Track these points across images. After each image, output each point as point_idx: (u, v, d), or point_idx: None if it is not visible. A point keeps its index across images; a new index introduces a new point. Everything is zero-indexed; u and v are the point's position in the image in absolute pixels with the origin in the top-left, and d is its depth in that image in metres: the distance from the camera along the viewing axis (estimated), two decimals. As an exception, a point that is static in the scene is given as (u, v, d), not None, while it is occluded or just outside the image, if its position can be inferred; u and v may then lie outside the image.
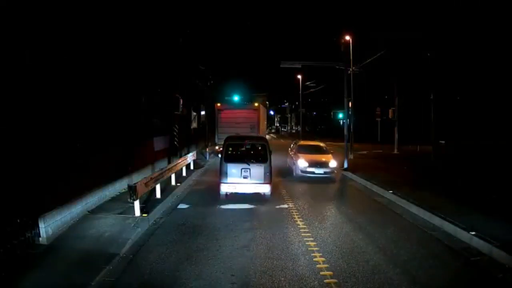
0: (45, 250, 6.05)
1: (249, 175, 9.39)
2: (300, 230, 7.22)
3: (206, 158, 19.49)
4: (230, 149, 10.05)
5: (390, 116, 26.89)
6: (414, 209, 8.86)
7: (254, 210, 8.79)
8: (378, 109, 37.08)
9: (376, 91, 44.56)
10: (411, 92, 31.05)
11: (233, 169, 9.44)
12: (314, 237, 6.80)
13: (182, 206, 9.12)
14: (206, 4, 30.64)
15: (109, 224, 7.39)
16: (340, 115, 45.91)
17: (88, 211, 8.17)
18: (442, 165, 16.59)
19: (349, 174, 14.86)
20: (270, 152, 9.84)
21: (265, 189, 9.50)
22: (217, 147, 19.36)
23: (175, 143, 16.00)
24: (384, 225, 7.66)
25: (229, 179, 9.43)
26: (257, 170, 9.41)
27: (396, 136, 27.46)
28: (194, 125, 27.01)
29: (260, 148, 10.08)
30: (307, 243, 6.46)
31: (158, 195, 9.31)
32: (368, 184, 12.38)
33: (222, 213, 8.47)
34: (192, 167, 14.89)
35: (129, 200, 7.28)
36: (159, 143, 14.39)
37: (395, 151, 26.40)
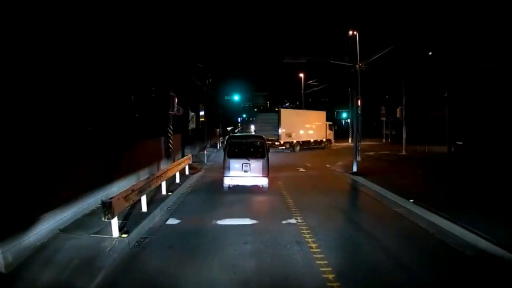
0: (1, 280, 4.92)
1: (249, 169, 10.46)
2: (312, 253, 5.88)
3: (204, 161, 18.13)
4: (233, 146, 10.99)
5: (398, 115, 25.65)
6: (443, 222, 7.55)
7: (255, 228, 7.38)
8: (383, 108, 35.83)
9: (379, 90, 43.30)
10: (415, 91, 29.84)
11: (235, 164, 10.50)
12: (332, 265, 5.44)
13: (172, 221, 7.77)
14: (206, 1, 29.40)
15: (82, 246, 6.08)
16: (344, 115, 44.75)
17: (60, 230, 6.86)
18: (460, 168, 15.20)
19: (359, 179, 13.52)
20: (268, 150, 11.02)
21: (263, 181, 10.58)
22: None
23: (170, 145, 14.67)
24: (412, 246, 6.32)
25: (231, 173, 10.52)
26: (256, 164, 10.50)
27: (404, 136, 26.30)
28: (192, 125, 25.67)
29: (258, 145, 11.15)
30: (323, 275, 5.13)
31: (143, 208, 7.98)
32: (383, 191, 11.04)
33: (218, 231, 7.11)
34: (187, 172, 13.54)
35: (103, 219, 5.95)
36: (151, 146, 13.08)
37: (403, 152, 25.17)
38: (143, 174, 11.20)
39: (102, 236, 6.47)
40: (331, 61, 18.22)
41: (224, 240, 6.56)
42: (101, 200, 5.98)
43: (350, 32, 16.36)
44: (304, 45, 49.70)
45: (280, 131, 24.28)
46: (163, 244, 6.43)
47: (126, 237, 6.40)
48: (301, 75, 39.60)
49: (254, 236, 6.75)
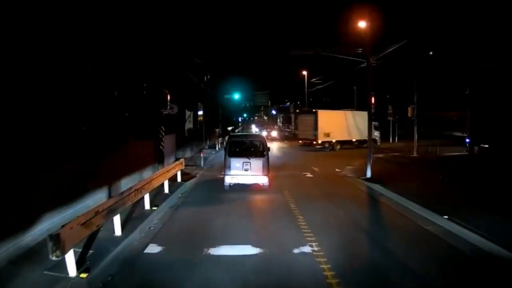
0: None
1: (249, 168, 10.50)
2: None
3: (200, 165, 16.45)
4: (233, 145, 11.13)
5: (409, 114, 24.13)
6: (493, 248, 5.94)
7: (259, 260, 5.65)
8: (390, 107, 34.17)
9: (382, 89, 41.61)
10: (422, 90, 28.47)
11: (236, 163, 10.52)
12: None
13: (152, 248, 6.07)
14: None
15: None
16: (350, 114, 42.89)
17: (10, 262, 5.26)
18: (489, 174, 13.49)
19: (376, 187, 11.86)
20: (268, 149, 11.06)
21: (263, 180, 10.63)
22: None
23: (161, 147, 13.04)
24: (461, 279, 4.68)
25: (232, 171, 10.55)
26: (256, 163, 10.55)
27: (416, 137, 24.73)
28: (189, 125, 24.04)
29: (258, 144, 11.47)
30: None
31: (117, 230, 6.31)
32: (408, 203, 9.39)
33: (210, 265, 5.42)
34: (179, 179, 11.87)
35: (50, 257, 4.30)
36: (139, 149, 11.45)
37: (415, 154, 23.56)
38: (128, 182, 9.56)
39: (57, 274, 4.84)
40: (341, 56, 16.56)
41: (218, 278, 4.90)
42: (48, 235, 4.31)
43: (362, 24, 14.68)
44: (307, 41, 47.93)
45: (317, 131, 25.19)
46: (137, 285, 4.79)
47: (85, 277, 4.76)
48: (304, 72, 37.88)
49: (258, 274, 5.07)
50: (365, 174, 13.57)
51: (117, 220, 6.23)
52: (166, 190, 9.82)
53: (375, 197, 10.62)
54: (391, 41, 16.80)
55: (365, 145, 27.43)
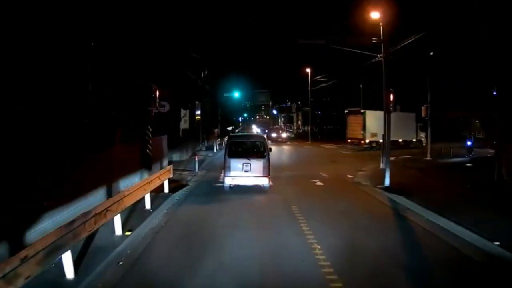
0: None
1: (249, 169, 10.31)
2: None
3: (195, 170, 14.66)
4: (233, 146, 10.99)
5: (423, 115, 22.55)
6: None
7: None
8: (398, 107, 32.77)
9: (394, 87, 39.82)
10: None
11: (236, 164, 10.35)
12: None
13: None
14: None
15: None
16: (355, 114, 41.07)
17: None
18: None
19: (399, 199, 10.05)
20: (269, 149, 10.85)
21: (264, 181, 10.44)
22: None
23: (148, 151, 11.28)
24: None
25: (232, 173, 10.35)
26: (257, 164, 10.35)
27: (429, 139, 23.10)
28: (185, 125, 22.29)
29: (259, 145, 11.25)
30: None
31: (68, 272, 4.54)
32: (442, 221, 7.65)
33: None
34: (166, 189, 10.08)
35: None
36: (117, 155, 9.69)
37: (428, 157, 21.92)
38: (98, 197, 7.81)
39: None
40: (352, 49, 14.81)
41: None
42: None
43: (376, 15, 12.94)
44: (314, 34, 45.94)
45: (365, 131, 26.75)
46: None
47: None
48: (308, 70, 36.09)
49: None
50: (383, 182, 11.85)
51: (67, 257, 4.46)
52: (148, 205, 8.00)
53: (401, 214, 8.81)
54: (403, 35, 15.26)
55: (410, 145, 29.02)
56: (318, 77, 34.62)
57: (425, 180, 13.53)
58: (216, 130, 34.87)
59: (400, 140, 28.06)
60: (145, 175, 11.15)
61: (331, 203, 9.76)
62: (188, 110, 22.01)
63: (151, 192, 8.45)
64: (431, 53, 22.31)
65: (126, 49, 12.19)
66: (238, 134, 28.04)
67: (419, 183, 12.75)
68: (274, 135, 36.77)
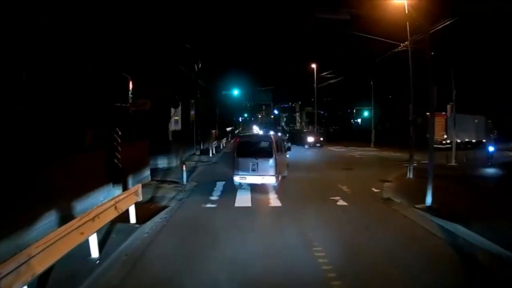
0: None
1: (257, 168, 10.59)
2: None
3: (182, 181, 11.89)
4: (242, 146, 11.27)
5: (448, 113, 19.89)
6: None
7: None
8: (410, 106, 30.25)
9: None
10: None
11: (244, 163, 10.74)
12: None
13: None
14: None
15: None
16: (365, 113, 38.37)
17: None
18: None
19: (453, 227, 7.22)
20: (278, 149, 11.09)
21: (271, 180, 10.63)
22: None
23: (116, 161, 8.55)
24: None
25: (240, 172, 10.75)
26: (264, 164, 10.60)
27: (455, 141, 20.55)
28: (176, 126, 19.57)
29: (267, 145, 11.23)
30: None
31: None
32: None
33: None
34: (133, 219, 7.03)
35: None
36: (68, 168, 6.98)
37: (453, 162, 19.27)
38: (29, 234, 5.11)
39: None
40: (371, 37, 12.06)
41: None
42: None
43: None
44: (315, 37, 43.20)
45: (445, 132, 27.97)
46: None
47: None
48: (313, 66, 33.37)
49: None
50: (421, 200, 9.09)
51: None
52: (95, 251, 5.11)
53: (467, 254, 6.04)
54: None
55: (480, 146, 28.60)
56: (325, 73, 31.95)
57: (469, 195, 10.77)
58: (214, 131, 32.08)
59: (473, 141, 30.09)
60: (115, 192, 8.48)
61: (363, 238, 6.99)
62: (180, 109, 19.29)
63: (111, 221, 5.77)
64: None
65: (94, 27, 9.53)
66: (247, 134, 27.50)
67: (463, 199, 10.01)
68: (311, 139, 31.25)
